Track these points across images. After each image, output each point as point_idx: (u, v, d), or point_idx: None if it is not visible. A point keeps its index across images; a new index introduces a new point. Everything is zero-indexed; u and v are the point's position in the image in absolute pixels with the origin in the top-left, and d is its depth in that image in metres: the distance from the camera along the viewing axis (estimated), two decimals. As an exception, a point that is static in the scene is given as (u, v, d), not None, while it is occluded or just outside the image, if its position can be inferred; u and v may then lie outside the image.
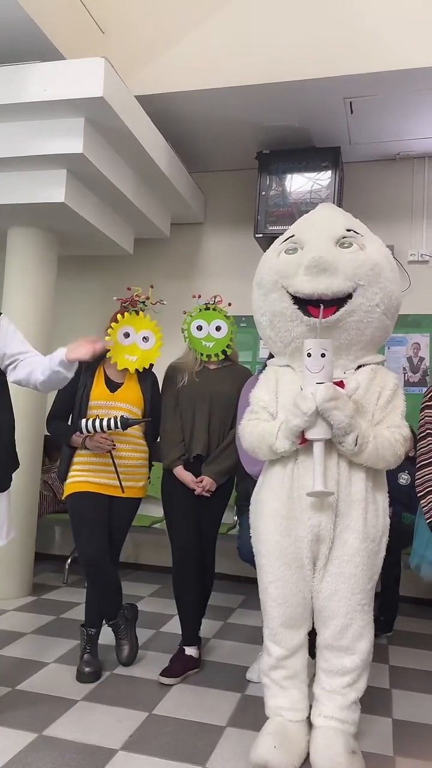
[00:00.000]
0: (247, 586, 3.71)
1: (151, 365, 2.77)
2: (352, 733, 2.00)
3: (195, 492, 2.69)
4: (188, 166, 4.28)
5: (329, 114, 3.75)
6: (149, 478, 2.81)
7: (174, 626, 2.91)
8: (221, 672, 2.70)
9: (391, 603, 3.34)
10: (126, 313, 2.72)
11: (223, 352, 2.79)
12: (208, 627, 3.14)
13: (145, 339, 2.74)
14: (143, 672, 2.65)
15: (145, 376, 2.77)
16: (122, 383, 2.73)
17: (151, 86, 3.63)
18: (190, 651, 2.70)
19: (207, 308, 2.81)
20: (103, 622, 2.72)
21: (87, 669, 2.58)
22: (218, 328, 2.77)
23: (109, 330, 2.69)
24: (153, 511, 4.21)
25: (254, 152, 4.14)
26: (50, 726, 2.16)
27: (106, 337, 2.68)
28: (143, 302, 2.79)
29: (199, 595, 2.76)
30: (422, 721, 2.35)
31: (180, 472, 2.72)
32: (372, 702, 2.34)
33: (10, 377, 2.26)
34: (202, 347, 2.78)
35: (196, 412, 2.74)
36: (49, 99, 3.13)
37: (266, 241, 2.53)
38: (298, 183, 4.05)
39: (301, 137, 4.00)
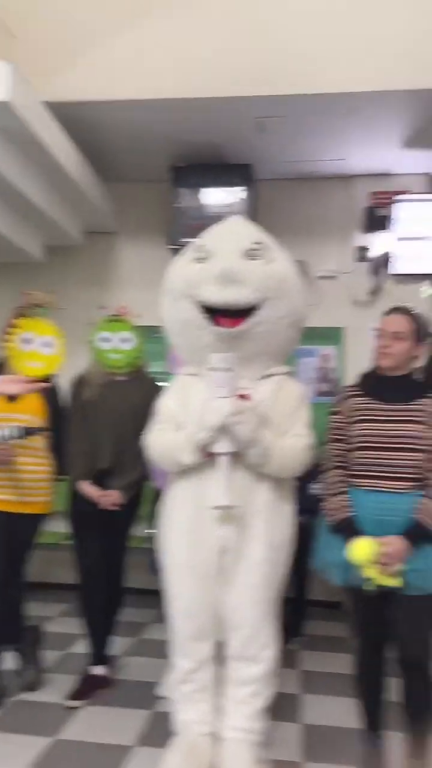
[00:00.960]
0: (160, 600, 3.66)
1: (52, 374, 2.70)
2: (259, 742, 2.00)
3: (100, 506, 2.62)
4: (102, 176, 4.23)
5: (240, 132, 3.82)
6: (53, 493, 2.71)
7: (82, 646, 2.82)
8: (132, 690, 2.64)
9: (301, 609, 3.40)
10: (25, 319, 2.63)
11: (132, 364, 2.74)
12: (119, 644, 3.06)
13: (47, 345, 2.64)
14: (49, 696, 2.55)
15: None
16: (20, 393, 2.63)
17: (63, 94, 3.56)
18: (98, 670, 2.62)
19: (112, 320, 2.77)
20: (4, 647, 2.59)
21: None
22: (125, 340, 2.73)
23: (8, 336, 2.59)
24: (61, 527, 4.06)
25: (168, 164, 4.15)
26: None
27: (5, 344, 2.58)
28: (42, 307, 2.70)
29: (107, 612, 2.69)
30: (329, 724, 2.40)
31: (85, 487, 2.64)
32: (281, 708, 2.35)
33: None
34: (108, 359, 2.73)
35: (103, 425, 2.68)
36: None
37: (179, 252, 2.58)
38: (213, 197, 4.11)
39: (214, 153, 4.06)
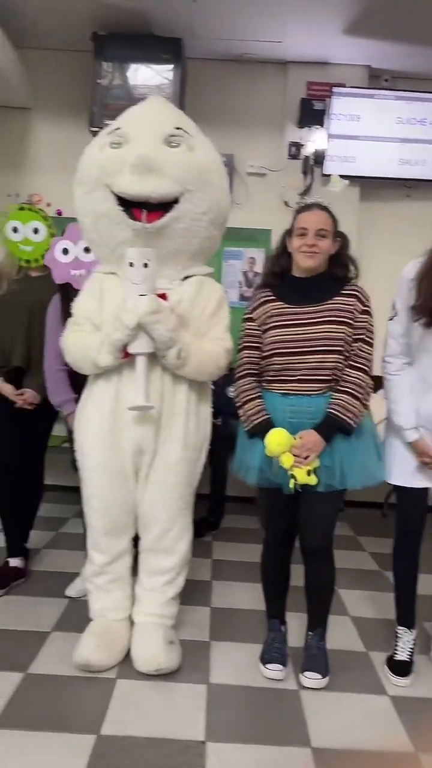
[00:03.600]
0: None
1: None
2: (171, 626, 2.14)
3: (16, 405, 2.55)
4: (13, 40, 3.74)
5: (171, 0, 3.45)
6: None
7: (1, 540, 2.84)
8: (49, 580, 2.71)
9: (218, 505, 3.56)
10: None
11: (43, 256, 2.59)
12: (38, 537, 3.11)
13: None
14: (-34, 587, 2.58)
15: None
16: None
17: None
18: (15, 562, 2.67)
19: (22, 209, 2.57)
20: None
21: None
22: (36, 231, 2.55)
23: None
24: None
25: (90, 32, 3.73)
26: None
27: None
28: None
29: (24, 506, 2.72)
30: (236, 607, 2.58)
31: None
32: (194, 594, 2.50)
33: None
34: (19, 251, 2.55)
35: (15, 323, 2.56)
36: None
37: (101, 137, 2.40)
38: (141, 76, 3.76)
39: (140, 22, 3.66)
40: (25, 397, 2.56)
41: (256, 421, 1.93)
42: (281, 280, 2.01)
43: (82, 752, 1.63)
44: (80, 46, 3.86)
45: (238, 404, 1.99)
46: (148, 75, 3.77)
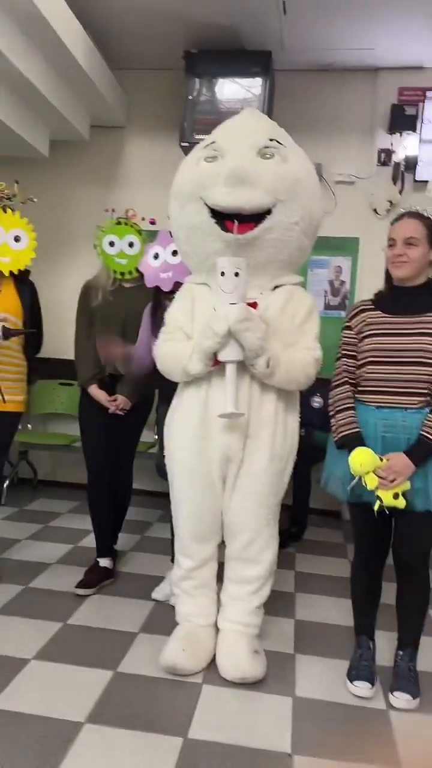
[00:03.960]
0: (166, 501, 3.77)
1: (28, 272, 2.64)
2: (255, 635, 2.13)
3: (109, 411, 2.65)
4: (110, 62, 3.93)
5: (261, 13, 3.49)
6: (29, 392, 2.76)
7: (90, 541, 2.95)
8: (136, 582, 2.79)
9: (301, 516, 3.53)
10: None
11: (137, 269, 2.68)
12: (125, 540, 3.22)
13: (17, 239, 2.59)
14: (59, 585, 2.69)
15: (23, 284, 2.67)
16: None
17: (69, -35, 3.24)
18: (105, 562, 2.76)
19: (119, 223, 2.68)
20: None
21: None
22: (131, 244, 2.65)
23: None
24: (72, 429, 4.16)
25: (182, 51, 3.84)
26: (-38, 639, 2.17)
27: None
28: (9, 199, 2.61)
29: (113, 508, 2.80)
30: (321, 621, 2.54)
31: (94, 390, 2.68)
32: (277, 605, 2.49)
33: None
34: (114, 264, 2.67)
35: (110, 331, 2.66)
36: None
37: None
38: (229, 90, 3.84)
39: (232, 38, 3.74)
40: (117, 403, 2.65)
41: (345, 433, 1.90)
42: (383, 290, 1.99)
43: (170, 754, 1.65)
44: (172, 64, 3.99)
45: (330, 413, 1.97)
46: (235, 88, 3.84)
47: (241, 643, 2.05)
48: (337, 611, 2.60)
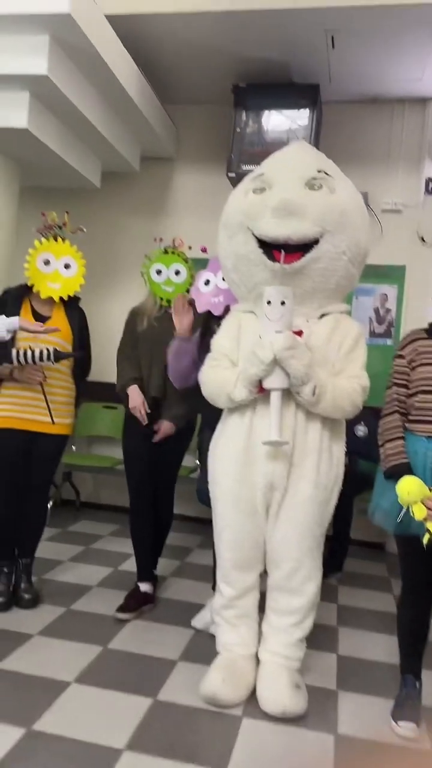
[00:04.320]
0: (206, 527, 3.76)
1: (78, 298, 2.72)
2: (297, 669, 2.09)
3: (154, 439, 2.69)
4: (160, 97, 4.07)
5: (309, 48, 3.57)
6: (76, 416, 2.81)
7: (131, 565, 2.96)
8: (176, 608, 2.78)
9: (342, 546, 3.46)
10: (44, 240, 2.64)
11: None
12: (165, 565, 3.21)
13: (67, 266, 2.67)
14: (100, 608, 2.70)
15: (73, 309, 2.73)
16: (50, 316, 2.67)
17: (124, 6, 3.38)
18: (145, 587, 2.76)
19: (166, 252, 2.74)
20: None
21: (0, 599, 2.59)
22: (177, 273, 2.72)
23: (28, 257, 2.60)
24: (115, 452, 4.22)
25: (230, 85, 3.94)
26: (5, 659, 2.19)
27: (26, 265, 2.61)
28: (60, 227, 2.70)
29: (154, 533, 2.81)
30: (365, 657, 2.47)
31: (133, 391, 2.70)
32: (319, 639, 2.44)
33: None
34: (161, 291, 2.73)
35: (153, 356, 2.71)
36: (11, 12, 2.90)
37: (239, 181, 2.46)
38: (275, 121, 3.91)
39: (280, 72, 3.83)
40: (161, 433, 2.69)
41: (393, 463, 1.87)
42: None
43: (208, 787, 1.62)
44: (220, 98, 4.09)
45: (379, 442, 1.95)
46: (282, 120, 3.91)
47: (282, 676, 2.01)
48: (382, 648, 2.53)
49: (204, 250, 2.69)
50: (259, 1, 3.24)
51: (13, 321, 2.39)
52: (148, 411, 2.69)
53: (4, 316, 2.43)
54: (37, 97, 3.26)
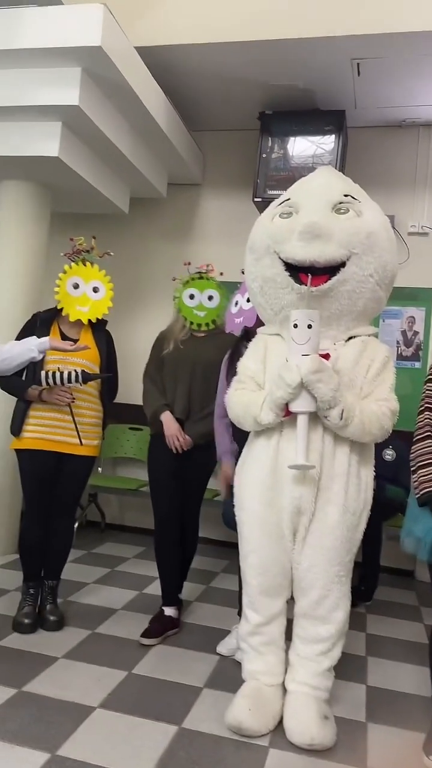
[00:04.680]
0: (231, 551, 3.73)
1: (105, 321, 2.76)
2: (325, 699, 2.04)
3: (173, 447, 2.69)
4: (187, 124, 4.15)
5: (335, 75, 3.62)
6: (103, 438, 2.83)
7: (156, 588, 2.94)
8: (201, 634, 2.74)
9: (371, 573, 3.39)
10: (73, 264, 2.69)
11: (214, 321, 2.77)
12: (190, 590, 3.18)
13: (95, 290, 2.71)
14: (124, 632, 2.68)
15: (100, 332, 2.77)
16: (77, 339, 2.71)
17: (152, 37, 3.49)
18: (170, 611, 2.74)
19: (200, 277, 2.77)
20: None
21: (27, 620, 2.60)
22: (210, 298, 2.75)
23: (58, 281, 2.65)
24: (141, 474, 4.23)
25: (256, 112, 4.02)
26: (29, 682, 2.19)
27: (55, 289, 2.66)
28: (87, 252, 2.75)
29: (180, 557, 2.79)
30: (395, 689, 2.40)
31: (167, 417, 2.70)
32: (347, 669, 2.38)
33: None
34: (193, 316, 2.76)
35: (178, 378, 2.74)
36: (45, 46, 3.01)
37: (265, 206, 2.49)
38: (301, 147, 3.96)
39: (306, 99, 3.88)
40: (181, 441, 2.68)
41: (428, 489, 1.84)
42: None
43: None
44: (246, 124, 4.17)
45: (412, 468, 1.92)
46: (308, 145, 3.95)
47: (309, 706, 1.96)
48: (412, 679, 2.46)
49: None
50: (285, 30, 3.31)
51: (44, 341, 2.43)
52: (185, 438, 2.69)
53: (35, 337, 2.48)
54: (69, 126, 3.36)
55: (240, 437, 2.24)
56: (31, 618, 2.62)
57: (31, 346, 2.40)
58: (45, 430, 2.62)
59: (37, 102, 3.17)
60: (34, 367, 2.57)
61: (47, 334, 2.63)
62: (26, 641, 2.51)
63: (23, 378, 2.62)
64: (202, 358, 2.72)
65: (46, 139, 3.32)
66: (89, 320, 2.70)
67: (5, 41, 3.04)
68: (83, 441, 2.63)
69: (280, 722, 1.99)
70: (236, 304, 2.52)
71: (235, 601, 2.70)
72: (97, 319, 2.72)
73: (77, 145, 3.51)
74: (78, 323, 2.70)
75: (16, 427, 2.63)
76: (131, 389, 3.44)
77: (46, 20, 3.01)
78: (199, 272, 2.80)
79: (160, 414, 2.72)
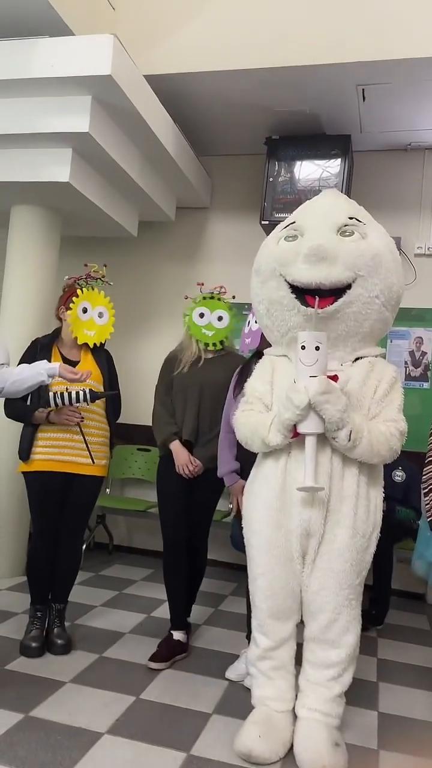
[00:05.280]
0: (240, 573, 3.71)
1: (103, 343, 2.80)
2: (336, 726, 2.00)
3: (183, 474, 2.68)
4: (196, 149, 4.22)
5: (341, 101, 3.68)
6: (111, 457, 2.83)
7: (164, 611, 2.92)
8: (209, 658, 2.71)
9: (382, 597, 3.34)
10: (85, 289, 2.73)
11: (222, 342, 2.79)
12: (198, 613, 3.15)
13: (101, 315, 2.77)
14: (132, 656, 2.66)
15: (100, 352, 2.80)
16: (78, 361, 2.74)
17: (161, 66, 3.57)
18: (178, 636, 2.71)
19: (211, 297, 2.80)
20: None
21: (34, 644, 2.59)
22: (220, 318, 2.78)
23: (71, 305, 2.69)
24: (149, 495, 4.22)
25: (263, 137, 4.08)
26: (37, 707, 2.17)
27: (68, 311, 2.71)
28: (100, 279, 2.81)
29: (189, 580, 2.77)
30: (407, 715, 2.35)
31: (176, 446, 2.71)
32: (358, 694, 2.34)
33: None
34: (201, 335, 2.78)
35: (187, 399, 2.75)
36: (57, 75, 3.08)
37: (271, 228, 2.52)
38: (307, 170, 4.01)
39: (312, 123, 3.94)
40: (193, 468, 2.68)
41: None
42: None
43: None
44: (253, 149, 4.23)
45: (424, 491, 1.90)
46: (314, 169, 4.00)
47: (320, 733, 1.92)
48: (425, 705, 2.42)
49: None
50: (292, 57, 3.38)
51: (53, 367, 2.45)
52: (195, 464, 2.69)
53: (45, 361, 2.50)
54: (79, 152, 3.42)
55: (245, 457, 2.24)
56: (39, 641, 2.60)
57: (41, 370, 2.42)
58: (55, 451, 2.62)
59: (49, 129, 3.24)
60: (39, 390, 2.59)
61: (49, 359, 2.65)
62: (33, 665, 2.49)
63: (28, 402, 2.64)
64: (210, 379, 2.73)
65: (57, 165, 3.39)
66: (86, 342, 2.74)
67: (18, 71, 3.12)
68: (95, 460, 2.64)
69: (291, 749, 1.96)
70: (248, 324, 2.55)
71: (243, 624, 2.67)
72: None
73: (87, 170, 3.57)
74: (77, 345, 2.74)
75: (24, 450, 2.63)
76: (139, 410, 3.46)
77: (57, 50, 3.08)
78: (212, 293, 2.82)
79: (168, 443, 2.73)
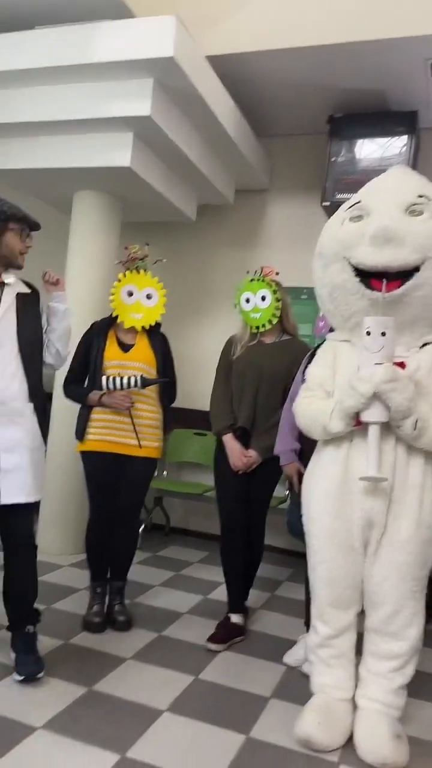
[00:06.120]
0: (296, 560, 3.71)
1: (159, 324, 2.79)
2: (397, 717, 1.97)
3: (239, 470, 2.68)
4: (255, 130, 4.16)
5: (407, 76, 3.54)
6: (165, 440, 2.86)
7: (221, 593, 2.94)
8: (266, 642, 2.72)
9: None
10: (127, 272, 2.73)
11: (270, 321, 2.72)
12: (255, 597, 3.16)
13: (149, 296, 2.76)
14: (191, 636, 2.70)
15: (155, 336, 2.80)
16: (134, 344, 2.76)
17: (222, 46, 3.51)
18: (236, 619, 2.73)
19: (252, 280, 2.77)
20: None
21: (96, 619, 2.68)
22: (263, 298, 2.72)
23: (113, 290, 2.70)
24: (205, 479, 4.25)
25: (325, 116, 3.97)
26: (99, 681, 2.23)
27: (110, 296, 2.73)
28: (141, 260, 2.79)
29: (246, 564, 2.78)
30: (471, 711, 2.29)
31: (229, 440, 2.71)
32: (421, 688, 2.29)
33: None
34: (250, 319, 2.75)
35: (245, 385, 2.73)
36: (118, 59, 3.08)
37: (333, 210, 2.44)
38: (371, 149, 3.88)
39: (377, 100, 3.81)
40: (248, 461, 2.67)
41: None
42: None
43: None
44: (315, 128, 4.12)
45: None
46: (377, 148, 3.87)
47: (381, 724, 1.90)
48: None
49: None
50: (355, 33, 3.26)
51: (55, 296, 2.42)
52: (248, 457, 2.68)
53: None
54: (140, 137, 3.43)
55: (307, 440, 2.21)
56: (101, 617, 2.69)
57: (56, 312, 2.36)
58: (106, 432, 2.69)
59: (110, 114, 3.25)
60: (95, 373, 2.66)
61: (104, 342, 2.73)
62: (96, 640, 2.57)
63: (85, 384, 2.74)
64: (269, 366, 2.70)
65: (118, 150, 3.41)
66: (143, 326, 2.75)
67: (80, 56, 3.13)
68: (142, 443, 2.67)
69: (350, 738, 1.95)
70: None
71: (301, 610, 2.66)
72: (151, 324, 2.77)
73: (147, 154, 3.58)
74: (133, 329, 2.76)
75: (80, 431, 2.73)
76: (197, 395, 3.47)
77: (118, 34, 3.08)
78: (253, 276, 2.78)
79: (222, 435, 2.74)
